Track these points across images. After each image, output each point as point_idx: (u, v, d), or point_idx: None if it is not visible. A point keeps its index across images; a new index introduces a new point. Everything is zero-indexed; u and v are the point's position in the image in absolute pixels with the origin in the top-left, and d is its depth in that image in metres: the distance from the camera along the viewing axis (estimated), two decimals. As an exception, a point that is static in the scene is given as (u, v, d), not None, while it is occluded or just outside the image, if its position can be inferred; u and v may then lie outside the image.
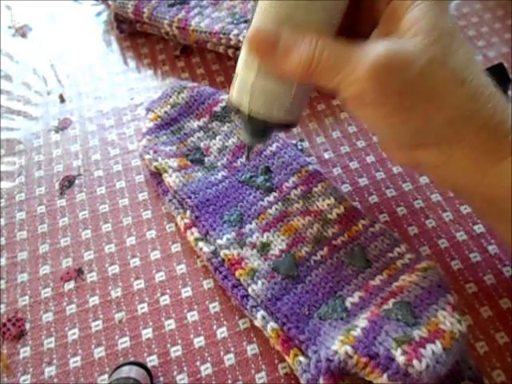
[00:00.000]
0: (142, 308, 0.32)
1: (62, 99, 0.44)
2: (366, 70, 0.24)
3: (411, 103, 0.25)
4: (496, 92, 0.26)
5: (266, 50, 0.26)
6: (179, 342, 0.31)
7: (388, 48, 0.24)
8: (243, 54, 0.28)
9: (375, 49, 0.24)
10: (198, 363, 0.30)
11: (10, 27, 0.50)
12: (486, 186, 0.26)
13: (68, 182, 0.39)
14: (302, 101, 0.29)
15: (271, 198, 0.34)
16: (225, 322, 0.32)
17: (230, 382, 0.30)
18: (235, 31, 0.42)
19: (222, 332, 0.31)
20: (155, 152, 0.37)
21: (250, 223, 0.33)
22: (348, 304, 0.29)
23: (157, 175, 0.37)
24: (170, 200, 0.35)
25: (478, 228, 0.35)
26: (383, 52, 0.24)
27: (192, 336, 0.31)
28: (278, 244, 0.32)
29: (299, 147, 0.40)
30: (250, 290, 0.30)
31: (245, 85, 0.28)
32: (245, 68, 0.28)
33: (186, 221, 0.34)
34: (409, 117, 0.25)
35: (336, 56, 0.25)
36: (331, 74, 0.25)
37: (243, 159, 0.37)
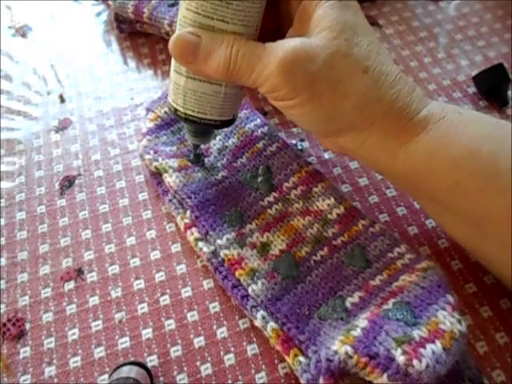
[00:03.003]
0: (142, 308, 0.32)
1: (62, 99, 0.44)
2: (276, 65, 0.26)
3: (319, 92, 0.27)
4: (401, 78, 0.28)
5: (187, 56, 0.28)
6: (179, 341, 0.31)
7: (295, 44, 0.26)
8: (172, 59, 0.30)
9: (284, 46, 0.26)
10: (198, 363, 0.30)
11: (10, 27, 0.50)
12: (399, 165, 0.29)
13: (68, 182, 0.39)
14: (234, 99, 0.31)
15: (271, 198, 0.34)
16: (225, 322, 0.32)
17: (230, 382, 0.30)
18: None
19: (221, 332, 0.31)
20: (155, 152, 0.37)
21: (250, 223, 0.33)
22: (348, 304, 0.29)
23: (157, 175, 0.37)
24: (170, 200, 0.35)
25: (478, 228, 0.35)
26: (290, 48, 0.26)
27: (192, 336, 0.31)
28: (278, 244, 0.32)
29: (299, 147, 0.40)
30: (250, 290, 0.30)
31: (177, 88, 0.30)
32: (175, 72, 0.30)
33: (186, 221, 0.34)
34: (319, 105, 0.28)
35: (250, 56, 0.27)
36: (247, 73, 0.27)
37: (243, 159, 0.37)
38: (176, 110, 0.31)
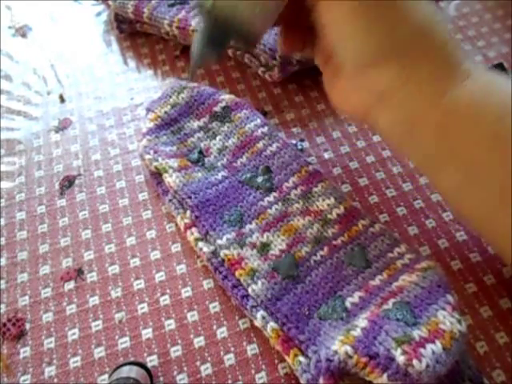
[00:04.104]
0: (142, 308, 0.32)
1: (62, 99, 0.44)
2: None
3: (378, 12, 0.25)
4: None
5: None
6: (179, 341, 0.31)
7: None
8: None
9: None
10: (198, 363, 0.30)
11: (10, 27, 0.50)
12: (439, 112, 0.26)
13: (68, 182, 0.39)
14: (269, 15, 0.28)
15: (271, 198, 0.34)
16: (225, 322, 0.32)
17: (230, 382, 0.30)
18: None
19: (221, 332, 0.31)
20: (155, 152, 0.37)
21: (250, 223, 0.33)
22: (348, 304, 0.29)
23: (157, 175, 0.37)
24: (170, 200, 0.35)
25: (478, 228, 0.35)
26: None
27: (192, 336, 0.31)
28: (278, 244, 0.32)
29: (299, 147, 0.40)
30: (250, 290, 0.30)
31: None
32: None
33: (186, 221, 0.34)
34: (375, 24, 0.26)
35: None
36: None
37: (243, 159, 0.37)
38: (201, 4, 0.27)
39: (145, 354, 0.31)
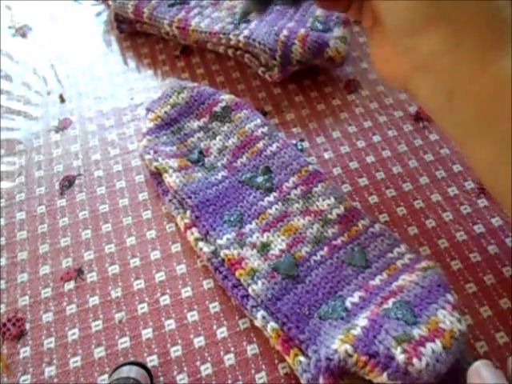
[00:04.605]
0: (142, 308, 0.32)
1: (62, 99, 0.44)
2: None
3: None
4: None
5: None
6: (179, 341, 0.31)
7: None
8: None
9: None
10: (198, 363, 0.30)
11: (10, 27, 0.50)
12: (486, 80, 0.25)
13: (68, 182, 0.39)
14: None
15: (271, 198, 0.34)
16: (225, 322, 0.32)
17: (229, 382, 0.30)
18: (235, 31, 0.42)
19: (221, 332, 0.31)
20: (155, 152, 0.37)
21: (250, 223, 0.33)
22: (348, 304, 0.29)
23: (157, 175, 0.37)
24: (170, 200, 0.35)
25: (478, 228, 0.35)
26: None
27: (192, 336, 0.31)
28: (278, 244, 0.32)
29: (299, 147, 0.40)
30: (250, 290, 0.30)
31: None
32: None
33: (186, 221, 0.34)
34: None
35: None
36: None
37: (243, 159, 0.37)
38: None
39: (145, 354, 0.31)
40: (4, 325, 0.32)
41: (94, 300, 0.33)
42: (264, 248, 0.32)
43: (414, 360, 0.24)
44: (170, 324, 0.32)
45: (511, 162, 0.26)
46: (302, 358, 0.27)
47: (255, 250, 0.32)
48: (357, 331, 0.26)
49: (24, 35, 0.50)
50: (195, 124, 0.39)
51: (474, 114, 0.27)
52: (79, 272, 0.34)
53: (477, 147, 0.28)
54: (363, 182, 0.38)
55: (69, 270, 0.34)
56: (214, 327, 0.31)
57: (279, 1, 0.32)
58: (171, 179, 0.35)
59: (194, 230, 0.34)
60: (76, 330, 0.32)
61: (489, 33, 0.25)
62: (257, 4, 0.30)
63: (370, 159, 0.39)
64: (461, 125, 0.28)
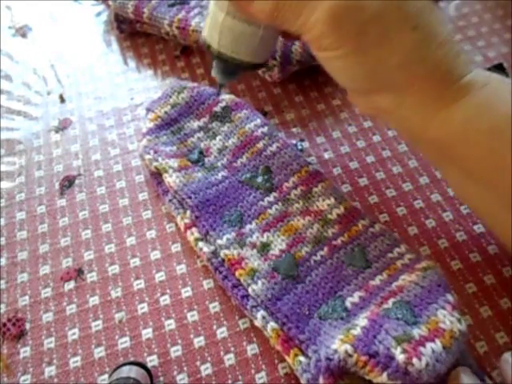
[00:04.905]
0: (142, 308, 0.32)
1: (62, 99, 0.44)
2: (325, 11, 0.25)
3: (364, 45, 0.26)
4: (449, 41, 0.27)
5: None
6: (179, 341, 0.31)
7: None
8: None
9: None
10: (198, 363, 0.30)
11: (10, 27, 0.50)
12: (434, 131, 0.27)
13: (68, 182, 0.39)
14: (269, 43, 0.31)
15: (271, 198, 0.34)
16: (225, 322, 0.32)
17: (229, 382, 0.30)
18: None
19: (221, 332, 0.31)
20: (155, 152, 0.37)
21: (250, 223, 0.33)
22: (348, 304, 0.29)
23: (157, 175, 0.37)
24: (170, 200, 0.35)
25: (478, 228, 0.35)
26: None
27: (192, 336, 0.31)
28: (278, 244, 0.32)
29: (299, 147, 0.40)
30: (250, 290, 0.30)
31: (215, 23, 0.30)
32: (216, 6, 0.29)
33: (186, 221, 0.34)
34: (363, 59, 0.26)
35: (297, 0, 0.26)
36: (293, 17, 0.26)
37: (243, 159, 0.37)
38: (209, 46, 0.31)
39: (145, 354, 0.31)
40: (4, 325, 0.32)
41: (94, 300, 0.33)
42: (264, 248, 0.32)
43: (414, 360, 0.24)
44: (170, 324, 0.32)
45: (476, 191, 0.29)
46: (301, 358, 0.27)
47: (255, 250, 0.32)
48: (357, 331, 0.26)
49: (24, 35, 0.50)
50: (195, 124, 0.39)
51: (435, 153, 0.30)
52: (79, 272, 0.34)
53: (446, 174, 0.32)
54: (363, 181, 0.38)
55: (69, 270, 0.34)
56: (214, 327, 0.31)
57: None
58: (171, 179, 0.35)
59: (194, 229, 0.34)
60: (76, 330, 0.32)
61: (430, 89, 0.27)
62: (225, 78, 0.33)
63: (370, 159, 0.39)
64: (428, 158, 0.33)
